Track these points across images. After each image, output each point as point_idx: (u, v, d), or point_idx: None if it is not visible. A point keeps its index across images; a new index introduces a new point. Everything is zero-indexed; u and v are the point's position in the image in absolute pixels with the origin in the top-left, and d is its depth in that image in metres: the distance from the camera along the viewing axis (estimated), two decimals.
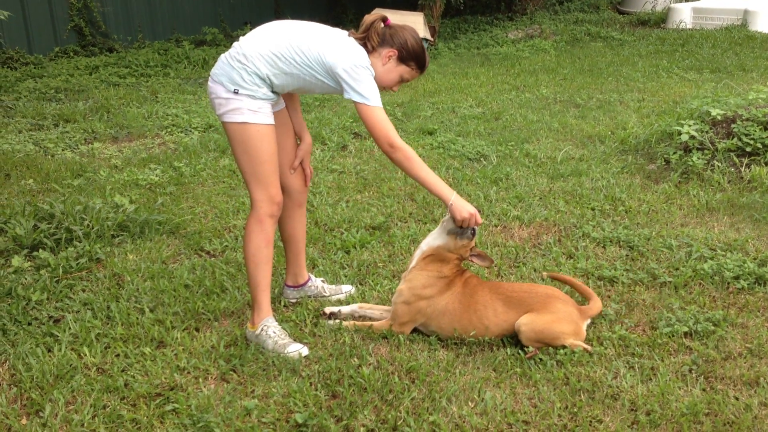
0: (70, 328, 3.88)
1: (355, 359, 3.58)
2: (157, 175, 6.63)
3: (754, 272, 4.36)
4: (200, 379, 3.47)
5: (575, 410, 3.19)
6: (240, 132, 3.55)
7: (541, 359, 3.54)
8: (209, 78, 3.63)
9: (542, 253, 4.87)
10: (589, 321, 3.79)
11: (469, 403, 3.25)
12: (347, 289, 4.34)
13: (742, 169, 6.09)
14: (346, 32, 3.68)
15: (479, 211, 3.68)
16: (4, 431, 3.11)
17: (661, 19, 17.37)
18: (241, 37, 3.64)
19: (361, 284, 4.47)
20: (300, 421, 3.09)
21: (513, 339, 3.72)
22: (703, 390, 3.33)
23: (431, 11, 14.50)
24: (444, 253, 3.78)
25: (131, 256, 4.86)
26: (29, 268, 4.59)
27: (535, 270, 4.60)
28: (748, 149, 6.22)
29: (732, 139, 6.31)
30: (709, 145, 6.39)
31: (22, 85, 10.59)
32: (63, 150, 7.59)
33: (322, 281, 4.34)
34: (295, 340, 3.75)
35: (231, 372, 3.53)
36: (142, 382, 3.42)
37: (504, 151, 7.27)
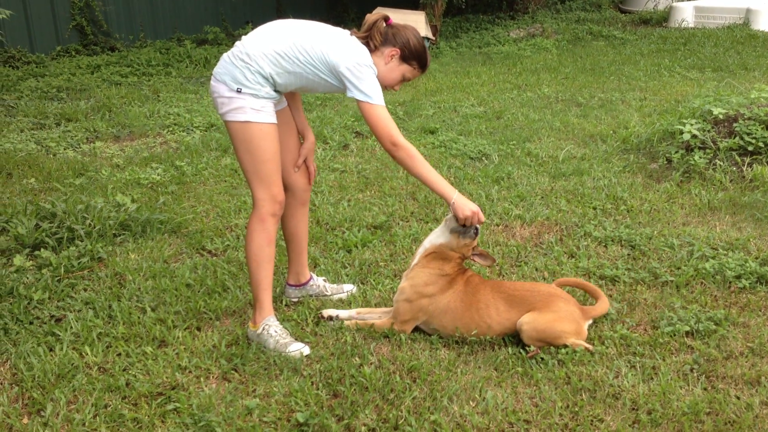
0: (71, 328, 3.88)
1: (357, 358, 3.59)
2: (158, 174, 6.63)
3: (756, 271, 4.36)
4: (202, 379, 3.47)
5: (576, 409, 3.19)
6: (242, 131, 3.55)
7: (542, 358, 3.54)
8: (212, 77, 3.63)
9: (544, 252, 4.87)
10: (591, 321, 3.79)
11: (471, 403, 3.25)
12: (349, 288, 4.34)
13: (744, 168, 6.08)
14: (348, 31, 3.69)
15: (481, 210, 3.68)
16: (6, 430, 3.11)
17: (663, 18, 17.36)
18: (243, 36, 3.64)
19: (362, 283, 4.47)
20: (301, 420, 3.09)
21: (514, 338, 3.72)
22: (705, 389, 3.33)
23: (433, 10, 14.50)
24: (446, 251, 3.78)
25: (133, 255, 4.86)
26: (31, 268, 4.60)
27: (536, 269, 4.60)
28: (750, 148, 6.21)
29: (734, 138, 6.30)
30: (711, 144, 6.39)
31: (24, 84, 10.59)
32: (65, 149, 7.60)
33: (324, 280, 4.34)
34: (296, 339, 3.75)
35: (232, 371, 3.53)
36: (143, 381, 3.43)
37: (505, 150, 7.27)
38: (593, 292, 3.97)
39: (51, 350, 3.71)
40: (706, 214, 5.47)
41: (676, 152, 6.45)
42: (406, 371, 3.48)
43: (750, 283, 4.28)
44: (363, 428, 3.08)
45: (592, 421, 3.13)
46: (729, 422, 3.10)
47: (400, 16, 11.48)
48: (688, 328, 3.77)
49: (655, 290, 4.30)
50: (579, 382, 3.36)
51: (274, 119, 3.61)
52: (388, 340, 3.77)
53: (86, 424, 3.13)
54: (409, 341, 3.75)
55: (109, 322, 3.99)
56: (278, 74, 3.54)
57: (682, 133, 6.51)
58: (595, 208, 5.59)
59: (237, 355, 3.63)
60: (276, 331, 3.70)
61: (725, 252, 4.70)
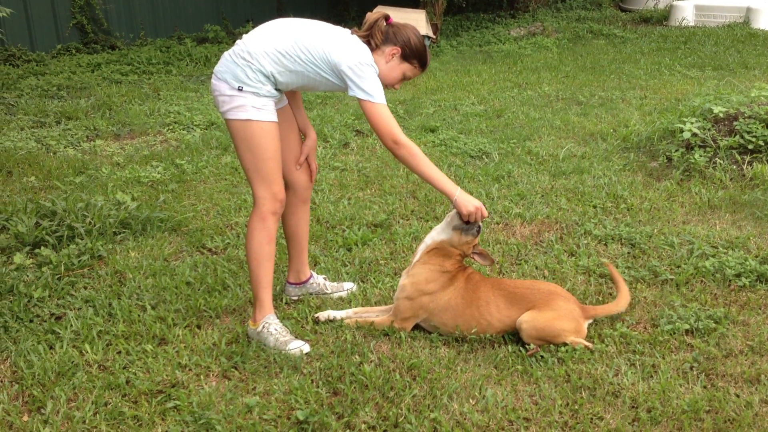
0: (71, 326, 3.89)
1: (357, 356, 3.59)
2: (159, 173, 6.63)
3: (756, 270, 4.36)
4: (201, 376, 3.48)
5: (576, 407, 3.19)
6: (244, 129, 3.55)
7: (542, 356, 3.54)
8: (213, 75, 3.63)
9: (544, 250, 4.87)
10: (591, 320, 3.79)
11: (470, 401, 3.25)
12: (349, 286, 4.35)
13: (744, 167, 6.08)
14: (348, 30, 3.70)
15: (483, 205, 3.68)
16: (6, 428, 3.12)
17: (664, 17, 17.35)
18: (244, 35, 3.64)
19: (362, 281, 4.47)
20: (301, 418, 3.09)
21: (514, 336, 3.72)
22: (704, 387, 3.33)
23: (433, 8, 14.49)
24: (447, 248, 3.78)
25: (133, 253, 4.86)
26: (31, 266, 4.60)
27: (536, 267, 4.60)
28: (750, 147, 6.21)
29: (734, 136, 6.30)
30: (711, 142, 6.39)
31: (25, 83, 10.59)
32: (65, 147, 7.60)
33: (324, 278, 4.34)
34: (296, 337, 3.75)
35: (232, 369, 3.53)
36: (143, 379, 3.43)
37: (506, 148, 7.27)
38: (621, 289, 3.94)
39: (51, 348, 3.71)
40: (706, 212, 5.47)
41: (677, 151, 6.45)
42: (406, 369, 3.48)
43: (750, 282, 4.28)
44: (363, 426, 3.09)
45: (591, 419, 3.13)
46: (729, 420, 3.10)
47: (400, 15, 11.48)
48: (687, 327, 3.78)
49: (654, 288, 4.30)
50: (579, 380, 3.36)
51: (275, 117, 3.61)
52: (388, 338, 3.78)
53: (86, 421, 3.13)
54: (409, 339, 3.76)
55: (109, 320, 3.99)
56: (280, 73, 3.54)
57: (682, 131, 6.51)
58: (595, 207, 5.60)
59: (237, 353, 3.64)
60: (276, 329, 3.71)
61: (725, 250, 4.70)
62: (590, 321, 3.78)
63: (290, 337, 3.70)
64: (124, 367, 3.54)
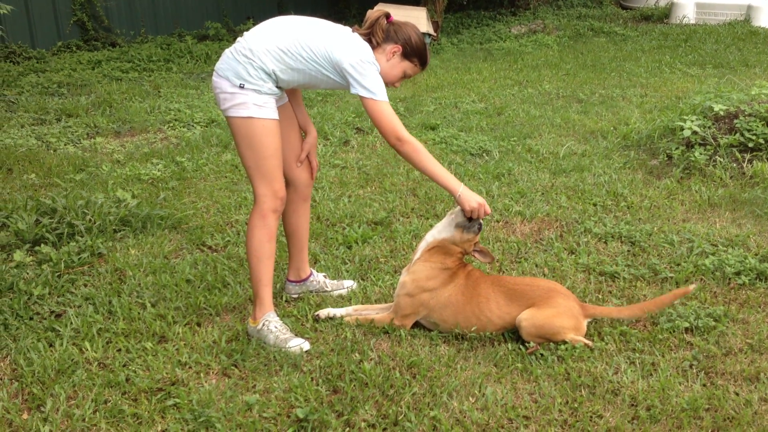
0: (71, 323, 3.89)
1: (357, 354, 3.59)
2: (159, 170, 6.63)
3: (756, 268, 4.36)
4: (201, 374, 3.48)
5: (576, 405, 3.19)
6: (245, 126, 3.55)
7: (542, 354, 3.54)
8: (214, 73, 3.63)
9: (544, 248, 4.87)
10: (590, 319, 3.79)
11: (470, 399, 3.25)
12: (349, 284, 4.35)
13: (744, 165, 6.08)
14: (349, 28, 3.70)
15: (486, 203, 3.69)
16: (6, 426, 3.12)
17: (665, 15, 17.33)
18: (245, 32, 3.64)
19: (362, 279, 4.47)
20: (301, 416, 3.10)
21: (514, 334, 3.73)
22: (704, 385, 3.34)
23: (434, 6, 14.48)
24: (449, 245, 3.78)
25: (133, 250, 4.86)
26: (31, 263, 4.60)
27: (536, 265, 4.60)
28: (751, 145, 6.21)
29: (734, 134, 6.30)
30: (712, 140, 6.38)
31: (25, 80, 10.59)
32: (65, 144, 7.60)
33: (324, 276, 4.34)
34: (296, 335, 3.75)
35: (232, 367, 3.53)
36: (143, 377, 3.43)
37: (506, 146, 7.27)
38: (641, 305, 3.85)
39: (51, 346, 3.71)
40: (706, 210, 5.47)
41: (677, 148, 6.45)
42: (405, 367, 3.48)
43: (749, 280, 4.28)
44: (363, 424, 3.09)
45: (591, 417, 3.13)
46: (728, 418, 3.11)
47: (401, 12, 11.47)
48: (687, 325, 3.78)
49: (654, 286, 4.30)
50: (578, 378, 3.36)
51: (276, 115, 3.62)
52: (387, 336, 3.78)
53: (86, 419, 3.14)
54: (409, 337, 3.76)
55: (109, 318, 4.00)
56: (281, 71, 3.55)
57: (682, 129, 6.51)
58: (595, 205, 5.59)
59: (237, 350, 3.64)
60: (276, 327, 3.71)
61: (725, 248, 4.70)
62: (589, 320, 3.78)
63: (290, 335, 3.70)
64: (124, 365, 3.55)
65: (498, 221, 5.35)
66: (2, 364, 3.59)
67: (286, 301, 4.22)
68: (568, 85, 10.47)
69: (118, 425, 3.12)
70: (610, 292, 4.23)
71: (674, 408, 3.16)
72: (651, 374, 3.42)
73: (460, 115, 8.75)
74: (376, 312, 3.98)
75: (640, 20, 17.43)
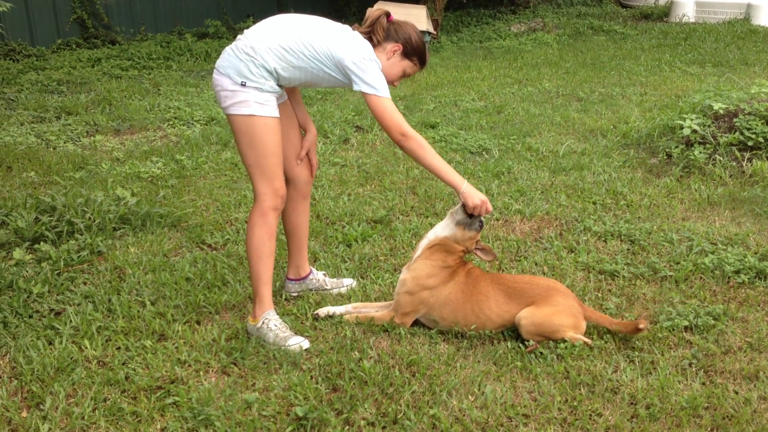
0: (71, 321, 3.89)
1: (356, 353, 3.59)
2: (158, 168, 6.63)
3: (755, 266, 4.36)
4: (201, 372, 3.48)
5: (575, 404, 3.19)
6: (246, 124, 3.55)
7: (541, 353, 3.54)
8: (214, 70, 3.63)
9: (543, 247, 4.87)
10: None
11: (470, 397, 3.25)
12: (348, 282, 4.35)
13: (744, 164, 6.08)
14: (349, 27, 3.70)
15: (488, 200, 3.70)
16: (5, 424, 3.12)
17: (664, 13, 17.34)
18: (246, 30, 3.64)
19: (362, 278, 4.47)
20: (300, 414, 3.09)
21: (513, 333, 3.73)
22: (703, 384, 3.34)
23: (434, 4, 14.48)
24: (450, 243, 3.79)
25: (132, 248, 4.86)
26: (30, 261, 4.60)
27: (536, 264, 4.60)
28: (750, 143, 6.21)
29: (734, 133, 6.30)
30: (711, 139, 6.38)
31: (24, 77, 10.58)
32: (65, 142, 7.60)
33: (324, 274, 4.34)
34: (296, 333, 3.75)
35: (232, 365, 3.53)
36: (142, 375, 3.43)
37: (506, 144, 7.27)
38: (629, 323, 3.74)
39: (50, 344, 3.71)
40: (705, 209, 5.47)
41: (676, 147, 6.45)
42: (405, 365, 3.49)
43: (749, 278, 4.29)
44: (362, 422, 3.09)
45: (590, 415, 3.13)
46: (727, 417, 3.11)
47: (401, 11, 11.47)
48: (686, 323, 3.78)
49: (654, 285, 4.30)
50: (578, 376, 3.36)
51: (277, 113, 3.62)
52: (387, 335, 3.78)
53: (85, 417, 3.14)
54: (409, 335, 3.76)
55: (109, 316, 4.00)
56: (283, 69, 3.55)
57: (682, 128, 6.51)
58: (594, 203, 5.60)
59: (236, 349, 3.64)
60: (276, 325, 3.71)
61: (724, 247, 4.70)
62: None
63: (290, 333, 3.70)
64: (124, 363, 3.55)
65: (498, 220, 5.35)
66: (1, 362, 3.59)
67: (285, 299, 4.22)
68: (568, 83, 10.47)
69: (118, 423, 3.12)
70: (610, 291, 4.23)
71: (673, 406, 3.16)
72: (650, 372, 3.42)
73: (459, 113, 8.75)
74: (375, 310, 3.98)
75: (640, 19, 17.44)
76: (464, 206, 3.68)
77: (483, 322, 3.71)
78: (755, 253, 4.60)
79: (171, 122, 8.44)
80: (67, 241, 4.83)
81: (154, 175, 6.46)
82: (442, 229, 3.83)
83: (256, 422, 3.08)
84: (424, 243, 3.87)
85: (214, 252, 4.85)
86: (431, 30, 12.59)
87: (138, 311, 4.02)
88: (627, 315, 3.93)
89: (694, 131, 6.45)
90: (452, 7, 17.40)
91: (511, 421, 3.11)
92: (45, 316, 3.99)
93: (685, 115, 6.73)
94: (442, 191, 5.88)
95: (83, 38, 13.30)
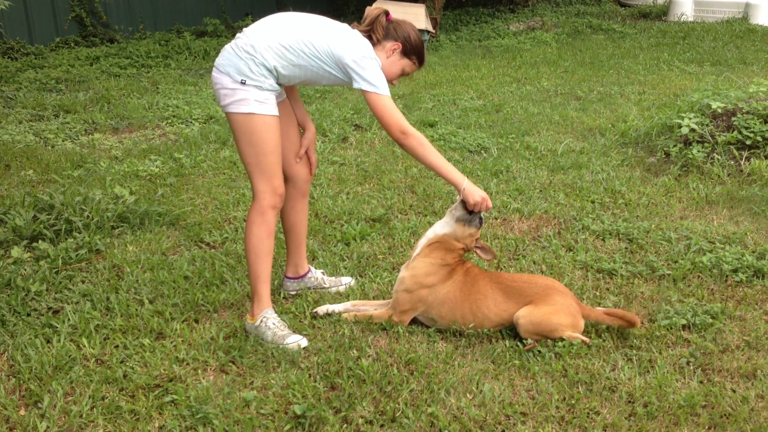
0: (69, 320, 3.89)
1: (354, 351, 3.59)
2: (157, 167, 6.63)
3: (753, 265, 4.37)
4: (199, 371, 3.48)
5: (573, 402, 3.20)
6: (246, 123, 3.55)
7: (539, 351, 3.55)
8: (214, 68, 3.63)
9: (542, 245, 4.88)
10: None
11: (468, 395, 3.25)
12: (347, 281, 4.35)
13: (742, 162, 6.09)
14: (348, 25, 3.71)
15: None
16: (3, 422, 3.12)
17: (663, 12, 17.35)
18: (245, 28, 3.64)
19: (360, 276, 4.47)
20: (299, 412, 3.10)
21: (512, 331, 3.73)
22: (701, 382, 3.34)
23: (433, 3, 14.48)
24: (450, 241, 3.79)
25: (131, 247, 4.86)
26: (28, 259, 4.60)
27: (534, 262, 4.61)
28: (748, 142, 6.21)
29: (732, 132, 6.30)
30: (709, 138, 6.39)
31: (23, 76, 10.58)
32: (63, 141, 7.59)
33: (322, 273, 4.34)
34: (294, 331, 3.75)
35: (230, 363, 3.53)
36: (141, 373, 3.43)
37: (504, 143, 7.27)
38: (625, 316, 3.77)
39: (48, 342, 3.71)
40: (703, 207, 5.48)
41: (675, 146, 6.45)
42: (403, 364, 3.49)
43: (747, 277, 4.29)
44: (360, 420, 3.09)
45: (588, 413, 3.13)
46: (725, 415, 3.11)
47: (400, 9, 11.47)
48: (684, 322, 3.78)
49: (652, 283, 4.30)
50: (576, 374, 3.37)
51: (276, 111, 3.62)
52: (385, 333, 3.78)
53: (83, 416, 3.13)
54: (407, 334, 3.76)
55: (107, 314, 3.99)
56: (283, 67, 3.55)
57: (680, 126, 6.51)
58: (593, 202, 5.60)
59: (235, 347, 3.64)
60: (274, 324, 3.71)
61: (722, 246, 4.71)
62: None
63: (288, 332, 3.70)
64: (122, 362, 3.54)
65: (496, 218, 5.35)
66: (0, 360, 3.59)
67: (284, 297, 4.22)
68: (567, 82, 10.47)
69: (116, 422, 3.12)
70: (608, 289, 4.24)
71: (671, 405, 3.16)
72: (648, 371, 3.42)
73: (458, 112, 8.75)
74: (374, 308, 3.98)
75: (639, 17, 17.44)
76: (464, 203, 3.69)
77: (481, 321, 3.72)
78: (753, 252, 4.60)
79: (169, 120, 8.44)
80: (66, 239, 4.83)
81: (153, 173, 6.45)
82: (442, 226, 3.83)
83: (254, 420, 3.09)
84: (423, 241, 3.87)
85: (213, 250, 4.85)
86: (430, 29, 12.59)
87: (136, 310, 4.02)
88: None
89: (693, 130, 6.45)
90: (451, 5, 17.41)
91: (509, 419, 3.11)
92: (43, 315, 3.99)
93: (683, 114, 6.73)
94: (440, 190, 5.88)
95: (82, 36, 13.29)
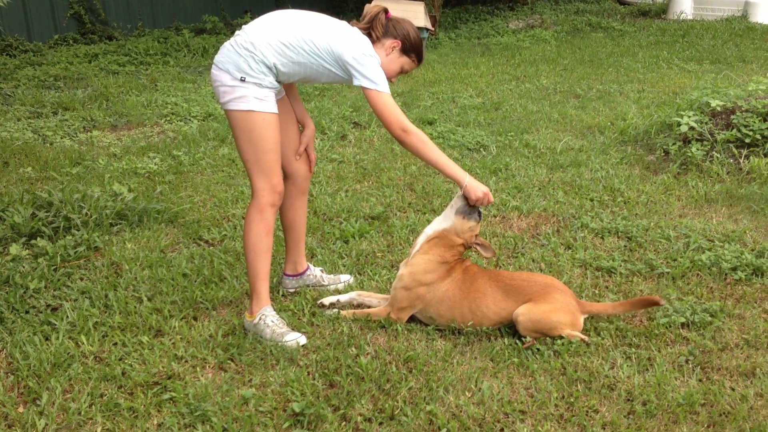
0: (67, 317, 3.88)
1: (353, 349, 3.59)
2: (155, 164, 6.62)
3: (752, 263, 4.37)
4: (198, 368, 3.47)
5: (572, 400, 3.19)
6: (245, 120, 3.55)
7: (538, 349, 3.55)
8: (213, 66, 3.62)
9: (541, 243, 4.87)
10: (586, 315, 3.78)
11: (467, 393, 3.25)
12: (346, 278, 4.35)
13: (741, 161, 6.09)
14: (347, 22, 3.71)
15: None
16: (1, 419, 3.11)
17: (662, 10, 17.34)
18: (244, 26, 3.64)
19: (359, 274, 4.47)
20: (297, 410, 3.09)
21: (510, 329, 3.73)
22: (700, 380, 3.34)
23: (432, 1, 14.46)
24: (450, 236, 3.79)
25: (129, 244, 4.86)
26: (27, 257, 4.59)
27: (533, 260, 4.60)
28: (747, 140, 6.21)
29: (731, 130, 6.30)
30: (709, 136, 6.38)
31: (21, 73, 10.56)
32: (62, 138, 7.58)
33: (321, 270, 4.34)
34: (293, 329, 3.75)
35: (229, 361, 3.53)
36: (139, 370, 3.43)
37: (503, 141, 7.27)
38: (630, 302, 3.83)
39: (47, 339, 3.70)
40: (702, 206, 5.48)
41: (674, 144, 6.45)
42: (402, 361, 3.48)
43: (746, 275, 4.29)
44: (359, 418, 3.09)
45: (587, 411, 3.13)
46: (724, 413, 3.11)
47: (399, 7, 11.46)
48: (683, 320, 3.78)
49: (651, 282, 4.30)
50: (574, 373, 3.36)
51: (275, 109, 3.62)
52: (384, 331, 3.78)
53: (82, 413, 3.13)
54: (406, 332, 3.76)
55: (106, 312, 3.99)
56: (283, 64, 3.55)
57: (679, 125, 6.51)
58: (592, 200, 5.60)
59: (233, 344, 3.64)
60: (273, 321, 3.71)
61: (721, 244, 4.71)
62: (585, 316, 3.77)
63: (287, 329, 3.70)
64: (120, 359, 3.54)
65: (495, 216, 5.35)
66: None
67: (282, 295, 4.22)
68: (566, 80, 10.47)
69: (114, 419, 3.12)
70: (607, 287, 4.23)
71: (670, 403, 3.16)
72: (647, 369, 3.42)
73: (457, 109, 8.75)
74: (378, 301, 3.99)
75: (638, 16, 17.44)
76: (463, 195, 3.70)
77: (480, 320, 3.72)
78: (752, 250, 4.60)
79: (168, 118, 8.43)
80: (64, 236, 4.82)
81: (151, 170, 6.45)
82: (441, 221, 3.84)
83: (252, 418, 3.08)
84: (422, 238, 3.87)
85: (211, 248, 4.85)
86: (429, 26, 12.58)
87: (135, 307, 4.02)
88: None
89: (692, 128, 6.45)
90: (450, 3, 17.40)
91: (508, 417, 3.11)
92: (41, 312, 3.98)
93: (682, 112, 6.73)
94: (439, 188, 5.88)
95: (80, 34, 13.27)
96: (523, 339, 3.61)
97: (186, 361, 3.52)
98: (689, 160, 6.21)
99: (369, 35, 3.69)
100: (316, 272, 4.30)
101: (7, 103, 8.92)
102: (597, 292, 4.19)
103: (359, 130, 7.85)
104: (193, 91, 9.86)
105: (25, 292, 4.15)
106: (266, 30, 3.56)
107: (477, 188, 3.65)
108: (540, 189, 5.88)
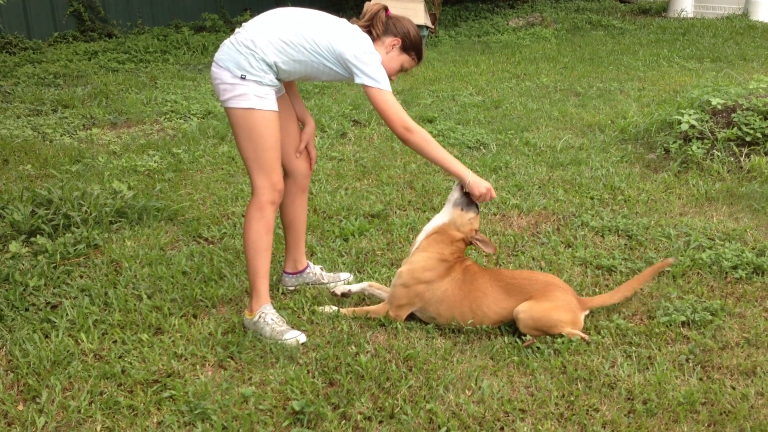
0: (67, 314, 3.88)
1: (353, 347, 3.58)
2: (155, 162, 6.61)
3: (753, 262, 4.36)
4: (197, 366, 3.47)
5: (572, 399, 3.19)
6: (245, 118, 3.55)
7: (538, 348, 3.54)
8: (213, 64, 3.62)
9: (541, 241, 4.87)
10: (587, 311, 3.78)
11: (467, 392, 3.25)
12: (345, 276, 4.34)
13: (742, 159, 6.08)
14: (347, 20, 3.71)
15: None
16: (1, 417, 3.11)
17: (663, 8, 17.35)
18: (245, 23, 3.63)
19: (359, 272, 4.46)
20: (297, 408, 3.09)
21: (511, 327, 3.72)
22: (700, 379, 3.34)
23: None
24: (449, 230, 3.78)
25: (129, 242, 4.85)
26: (27, 254, 4.59)
27: (533, 259, 4.60)
28: (748, 139, 6.21)
29: (732, 128, 6.30)
30: (709, 134, 6.38)
31: (21, 70, 10.55)
32: (61, 136, 7.57)
33: (321, 268, 4.34)
34: (292, 327, 3.74)
35: (228, 359, 3.53)
36: (139, 368, 3.42)
37: (503, 139, 7.26)
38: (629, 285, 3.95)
39: (47, 337, 3.70)
40: (703, 204, 5.47)
41: (674, 142, 6.44)
42: (402, 360, 3.48)
43: (746, 274, 4.28)
44: (359, 416, 3.09)
45: (587, 410, 3.13)
46: (724, 412, 3.11)
47: (399, 5, 11.43)
48: (684, 319, 3.78)
49: (651, 280, 4.29)
50: (575, 371, 3.36)
51: (276, 107, 3.61)
52: (384, 329, 3.77)
53: (81, 411, 3.13)
54: (406, 330, 3.75)
55: (105, 309, 3.99)
56: (284, 62, 3.54)
57: (680, 123, 6.50)
58: (592, 198, 5.59)
59: (233, 342, 3.63)
60: (272, 319, 3.70)
61: (722, 242, 4.70)
62: (587, 312, 3.78)
63: (286, 327, 3.69)
64: (120, 357, 3.54)
65: (495, 214, 5.35)
66: None
67: (282, 293, 4.21)
68: (566, 78, 10.46)
69: (114, 417, 3.11)
70: (607, 286, 4.23)
71: (670, 402, 3.16)
72: (647, 368, 3.42)
73: (457, 107, 8.74)
74: (387, 294, 3.99)
75: (638, 14, 17.44)
76: (460, 186, 3.70)
77: (480, 319, 3.71)
78: (753, 249, 4.60)
79: (168, 116, 8.42)
80: (64, 234, 4.82)
81: (151, 168, 6.44)
82: (440, 216, 3.84)
83: (252, 416, 3.08)
84: (421, 236, 3.87)
85: (211, 246, 4.84)
86: (429, 24, 12.57)
87: (134, 305, 4.01)
88: (624, 310, 3.92)
89: (692, 126, 6.45)
90: (450, 1, 17.39)
91: (508, 415, 3.11)
92: (41, 310, 3.98)
93: (683, 111, 6.73)
94: (439, 186, 5.87)
95: (80, 31, 13.26)
96: (523, 337, 3.61)
97: (186, 359, 3.52)
98: (690, 158, 6.21)
99: (369, 33, 3.69)
100: (315, 270, 4.29)
101: (6, 101, 8.90)
102: (597, 290, 4.18)
103: (359, 128, 7.85)
104: (192, 88, 9.85)
105: (24, 290, 4.15)
106: (267, 28, 3.55)
107: (480, 184, 3.66)
108: (540, 187, 5.88)
